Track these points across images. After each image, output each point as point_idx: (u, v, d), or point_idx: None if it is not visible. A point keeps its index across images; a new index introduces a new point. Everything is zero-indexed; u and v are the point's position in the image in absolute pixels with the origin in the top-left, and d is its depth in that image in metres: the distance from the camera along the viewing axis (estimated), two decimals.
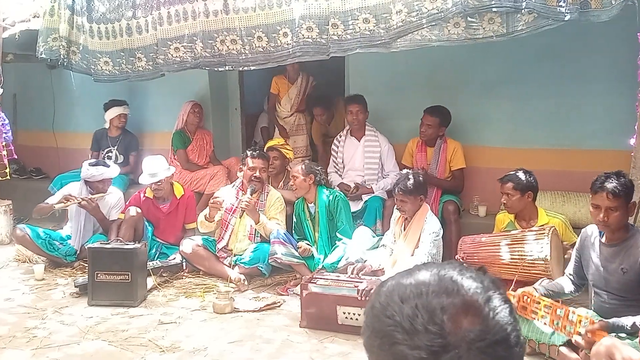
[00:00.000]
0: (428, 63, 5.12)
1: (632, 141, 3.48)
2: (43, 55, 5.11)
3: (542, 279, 3.31)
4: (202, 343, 3.39)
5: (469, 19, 3.61)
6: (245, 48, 4.32)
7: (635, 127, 3.43)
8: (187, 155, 5.84)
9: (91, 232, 4.95)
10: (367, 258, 4.09)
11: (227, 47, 4.39)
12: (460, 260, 3.68)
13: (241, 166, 4.73)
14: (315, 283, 3.67)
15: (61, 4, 5.04)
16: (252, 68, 4.51)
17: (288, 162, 5.29)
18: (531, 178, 3.81)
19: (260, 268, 4.39)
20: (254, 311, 3.86)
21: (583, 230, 3.16)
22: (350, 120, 5.15)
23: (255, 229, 4.53)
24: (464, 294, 0.78)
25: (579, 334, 2.19)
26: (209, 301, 4.04)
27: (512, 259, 3.55)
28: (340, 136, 5.31)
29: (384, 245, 4.19)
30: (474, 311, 0.76)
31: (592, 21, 3.35)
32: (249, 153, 4.66)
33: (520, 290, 2.61)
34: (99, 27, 4.93)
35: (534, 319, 2.44)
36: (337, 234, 4.49)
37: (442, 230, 4.02)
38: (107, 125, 6.21)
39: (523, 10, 3.39)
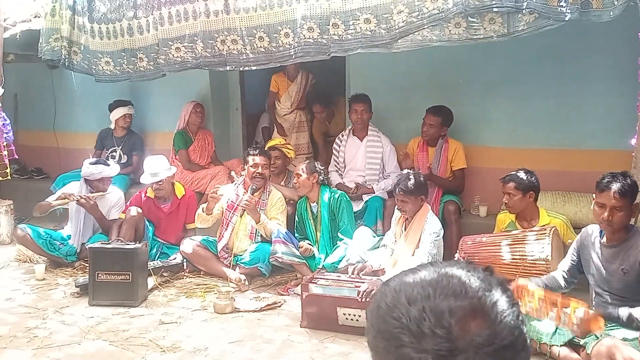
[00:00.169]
0: (429, 63, 5.12)
1: (633, 141, 3.48)
2: (45, 56, 5.11)
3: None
4: (203, 343, 3.39)
5: (470, 19, 3.61)
6: (246, 48, 4.32)
7: (636, 127, 3.43)
8: (188, 156, 5.84)
9: (91, 230, 4.95)
10: (367, 258, 4.09)
11: (228, 47, 4.39)
12: (462, 260, 3.68)
13: (243, 165, 4.72)
14: (315, 283, 3.67)
15: (62, 4, 5.04)
16: (254, 68, 4.52)
17: (289, 162, 5.29)
18: (533, 178, 3.81)
19: (260, 268, 4.39)
20: (254, 311, 3.86)
21: (583, 229, 3.15)
22: (354, 120, 5.14)
23: (256, 229, 4.53)
24: (472, 297, 0.76)
25: (574, 323, 2.22)
26: (209, 301, 4.04)
27: (513, 259, 3.55)
28: (343, 135, 5.30)
29: (384, 245, 4.19)
30: (482, 315, 0.75)
31: (593, 21, 3.34)
32: (250, 151, 4.66)
33: (514, 284, 2.64)
34: (100, 27, 4.93)
35: (528, 312, 2.47)
36: (339, 234, 4.49)
37: (442, 230, 4.02)
38: (112, 126, 6.23)
39: (524, 11, 3.39)
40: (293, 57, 4.23)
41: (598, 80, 4.62)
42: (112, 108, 6.17)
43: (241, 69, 4.83)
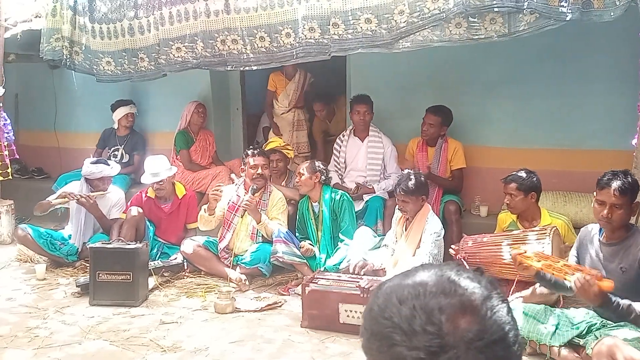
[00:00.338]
0: (430, 63, 5.12)
1: (634, 141, 3.48)
2: (46, 56, 5.12)
3: None
4: (204, 343, 3.39)
5: (471, 19, 3.61)
6: (246, 48, 4.33)
7: (637, 127, 3.43)
8: (190, 156, 5.84)
9: (92, 230, 4.95)
10: (368, 259, 4.09)
11: (228, 47, 4.39)
12: (462, 260, 3.68)
13: (243, 166, 4.73)
14: (316, 283, 3.67)
15: (63, 4, 5.05)
16: (255, 68, 4.52)
17: (289, 162, 5.29)
18: (534, 178, 3.81)
19: (261, 268, 4.39)
20: (255, 311, 3.86)
21: (583, 228, 3.16)
22: (356, 121, 5.13)
23: (257, 229, 4.53)
24: (462, 294, 0.78)
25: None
26: (210, 301, 4.04)
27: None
28: (343, 136, 5.29)
29: (385, 245, 4.20)
30: (472, 311, 0.76)
31: (594, 21, 3.34)
32: (249, 152, 4.65)
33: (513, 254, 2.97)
34: (100, 27, 4.94)
35: (534, 268, 2.81)
36: (340, 235, 4.49)
37: (443, 230, 4.02)
38: (115, 126, 6.25)
39: (525, 11, 3.39)
40: (295, 57, 4.23)
41: (599, 80, 4.62)
42: (114, 108, 6.19)
43: (241, 68, 4.84)
